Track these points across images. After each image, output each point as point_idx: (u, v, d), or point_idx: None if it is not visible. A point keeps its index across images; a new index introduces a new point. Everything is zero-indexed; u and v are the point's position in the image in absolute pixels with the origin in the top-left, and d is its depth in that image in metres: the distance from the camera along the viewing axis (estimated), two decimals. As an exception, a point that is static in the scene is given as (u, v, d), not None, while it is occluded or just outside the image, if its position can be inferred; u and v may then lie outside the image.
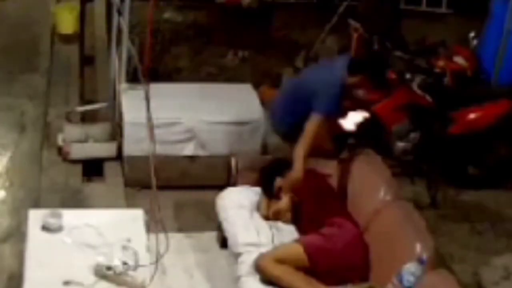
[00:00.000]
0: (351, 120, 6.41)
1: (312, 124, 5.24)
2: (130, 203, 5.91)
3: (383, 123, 6.55)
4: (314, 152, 5.31)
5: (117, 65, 6.69)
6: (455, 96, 6.74)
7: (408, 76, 6.65)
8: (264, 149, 6.41)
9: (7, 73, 7.90)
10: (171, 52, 8.70)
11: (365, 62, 5.57)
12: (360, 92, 5.98)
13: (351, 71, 5.33)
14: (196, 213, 6.03)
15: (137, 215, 4.79)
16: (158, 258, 4.20)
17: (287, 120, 5.59)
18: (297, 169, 5.20)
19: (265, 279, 4.67)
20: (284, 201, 5.24)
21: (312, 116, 5.25)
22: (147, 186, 4.27)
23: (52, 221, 4.55)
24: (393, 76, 6.63)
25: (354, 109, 6.34)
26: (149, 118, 4.04)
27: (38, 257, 4.35)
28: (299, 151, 5.22)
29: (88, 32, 8.93)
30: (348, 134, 6.47)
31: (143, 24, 7.49)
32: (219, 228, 5.45)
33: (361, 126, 6.47)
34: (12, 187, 6.22)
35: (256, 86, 7.16)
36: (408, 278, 4.24)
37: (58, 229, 4.54)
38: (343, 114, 6.23)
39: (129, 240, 4.47)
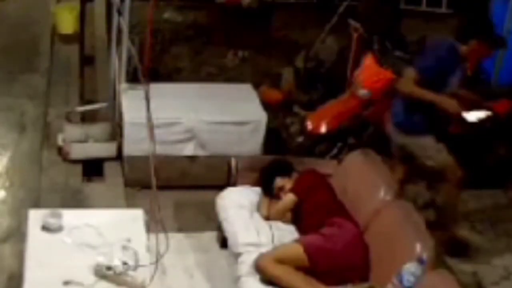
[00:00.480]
0: (475, 115, 6.38)
1: (405, 76, 5.27)
2: (130, 203, 5.91)
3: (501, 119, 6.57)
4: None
5: (117, 65, 6.69)
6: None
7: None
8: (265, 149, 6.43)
9: (7, 73, 7.90)
10: (171, 52, 8.70)
11: (474, 27, 5.46)
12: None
13: (462, 39, 5.28)
14: (196, 213, 6.03)
15: (137, 215, 4.79)
16: (158, 258, 4.20)
17: (404, 106, 5.57)
18: (446, 100, 5.30)
19: (265, 279, 4.67)
20: (287, 200, 5.24)
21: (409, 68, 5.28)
22: (147, 186, 4.27)
23: (52, 221, 4.55)
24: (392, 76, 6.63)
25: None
26: (149, 118, 4.04)
27: (38, 257, 4.35)
28: (411, 91, 5.29)
29: (88, 32, 8.93)
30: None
31: (143, 24, 7.49)
32: (219, 228, 5.45)
33: (482, 122, 6.46)
34: (12, 187, 6.22)
35: (256, 86, 7.16)
36: (408, 278, 4.24)
37: (58, 229, 4.55)
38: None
39: (129, 240, 4.48)
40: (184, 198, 6.14)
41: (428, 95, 5.28)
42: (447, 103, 5.34)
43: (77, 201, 5.96)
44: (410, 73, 5.34)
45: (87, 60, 8.37)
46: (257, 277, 4.69)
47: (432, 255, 4.45)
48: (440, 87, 5.41)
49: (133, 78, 6.46)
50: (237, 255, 4.92)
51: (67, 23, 8.65)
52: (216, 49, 8.86)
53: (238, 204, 5.29)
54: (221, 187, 5.53)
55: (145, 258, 4.35)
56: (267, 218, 5.24)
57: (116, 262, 4.24)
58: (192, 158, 6.39)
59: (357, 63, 7.13)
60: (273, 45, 8.96)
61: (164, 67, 8.24)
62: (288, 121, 7.37)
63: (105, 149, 6.48)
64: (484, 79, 7.29)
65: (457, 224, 5.85)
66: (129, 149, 6.25)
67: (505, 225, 6.34)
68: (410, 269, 4.26)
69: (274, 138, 6.76)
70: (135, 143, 6.09)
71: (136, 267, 4.27)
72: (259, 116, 6.46)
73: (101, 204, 5.80)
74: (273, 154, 6.05)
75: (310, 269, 4.71)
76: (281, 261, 4.70)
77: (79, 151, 6.42)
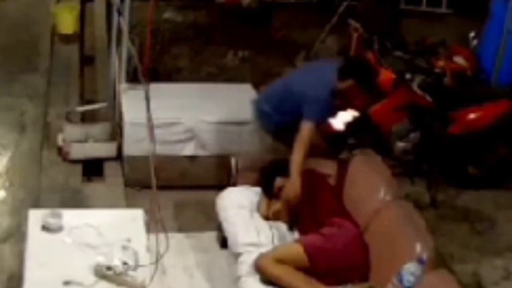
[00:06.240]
0: (341, 120, 6.38)
1: (304, 131, 5.20)
2: (130, 203, 5.91)
3: (380, 125, 6.55)
4: (310, 153, 5.29)
5: (117, 65, 6.70)
6: (455, 96, 6.73)
7: (408, 76, 6.65)
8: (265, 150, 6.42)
9: (7, 73, 7.91)
10: (171, 52, 8.70)
11: (354, 67, 5.46)
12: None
13: (340, 76, 5.30)
14: (196, 213, 6.03)
15: (137, 215, 4.79)
16: (158, 258, 4.20)
17: (275, 119, 5.57)
18: (294, 179, 5.16)
19: (265, 279, 4.67)
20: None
21: (303, 123, 5.21)
22: (147, 186, 4.28)
23: (52, 221, 4.55)
24: (393, 76, 6.63)
25: (344, 108, 6.32)
26: (149, 118, 4.05)
27: (38, 257, 4.35)
28: (295, 160, 5.18)
29: (88, 32, 8.93)
30: (346, 134, 6.48)
31: (143, 24, 7.49)
32: (219, 228, 5.45)
33: (350, 125, 6.45)
34: (12, 187, 6.23)
35: (256, 86, 7.15)
36: (408, 278, 4.24)
37: (58, 229, 4.54)
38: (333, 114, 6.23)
39: (129, 240, 4.48)
40: (184, 198, 6.14)
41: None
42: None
43: (77, 201, 5.96)
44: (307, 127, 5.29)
45: (87, 60, 8.37)
46: (257, 277, 4.69)
47: (432, 255, 4.45)
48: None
49: (133, 78, 6.46)
50: (237, 255, 4.92)
51: (67, 23, 8.66)
52: (216, 49, 8.86)
53: (238, 204, 5.29)
54: (221, 187, 5.53)
55: (145, 258, 4.35)
56: (267, 218, 5.24)
57: (116, 262, 4.24)
58: (192, 158, 6.39)
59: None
60: (273, 45, 8.97)
61: (164, 67, 8.24)
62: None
63: (105, 149, 6.48)
64: (484, 79, 7.29)
65: None
66: (129, 149, 6.25)
67: (505, 225, 6.34)
68: (410, 269, 4.26)
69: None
70: (135, 143, 6.09)
71: (136, 267, 4.27)
72: (259, 116, 6.45)
73: (101, 204, 5.79)
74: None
75: (310, 269, 4.71)
76: (281, 261, 4.69)
77: (79, 151, 6.42)
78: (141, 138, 5.62)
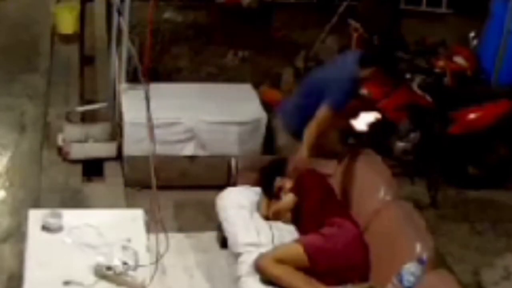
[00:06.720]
0: (363, 121, 6.42)
1: (321, 112, 5.24)
2: (130, 203, 5.91)
3: (390, 120, 6.57)
4: (323, 151, 5.32)
5: (117, 65, 6.70)
6: (455, 96, 6.74)
7: (408, 76, 6.65)
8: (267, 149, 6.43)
9: (7, 73, 7.91)
10: (171, 52, 8.70)
11: (376, 55, 5.53)
12: (365, 91, 5.99)
13: (363, 64, 5.32)
14: (196, 213, 6.03)
15: (137, 215, 4.79)
16: (158, 258, 4.21)
17: (299, 116, 5.57)
18: (303, 150, 5.22)
19: (265, 279, 4.67)
20: (287, 200, 5.24)
21: (322, 106, 5.25)
22: (147, 186, 4.27)
23: (52, 221, 4.55)
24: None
25: (363, 109, 6.36)
26: (149, 118, 4.05)
27: (38, 257, 4.35)
28: (307, 134, 5.24)
29: (88, 32, 8.93)
30: (368, 135, 6.52)
31: (143, 24, 7.49)
32: (219, 228, 5.45)
33: (372, 126, 6.48)
34: (12, 187, 6.23)
35: (256, 86, 7.16)
36: (408, 278, 4.24)
37: (58, 229, 4.54)
38: (354, 114, 6.25)
39: (129, 240, 4.48)
40: (184, 198, 6.14)
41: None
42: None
43: (77, 201, 5.96)
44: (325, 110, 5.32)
45: (87, 60, 8.37)
46: (257, 277, 4.69)
47: (432, 255, 4.45)
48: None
49: (133, 78, 6.46)
50: (237, 255, 4.92)
51: (67, 23, 8.66)
52: (216, 49, 8.86)
53: (238, 204, 5.28)
54: (221, 187, 5.53)
55: (145, 258, 4.35)
56: (267, 218, 5.24)
57: (116, 262, 4.24)
58: (192, 158, 6.39)
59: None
60: (273, 45, 8.96)
61: (164, 67, 8.24)
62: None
63: (105, 149, 6.48)
64: (484, 79, 7.29)
65: None
66: (129, 149, 6.25)
67: (505, 225, 6.34)
68: (410, 269, 4.26)
69: (274, 138, 6.76)
70: (135, 143, 6.09)
71: (136, 267, 4.27)
72: (259, 116, 6.46)
73: (101, 204, 5.79)
74: (273, 154, 6.05)
75: (310, 269, 4.71)
76: (281, 261, 4.69)
77: (79, 151, 6.42)
78: (141, 138, 5.62)
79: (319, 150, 5.34)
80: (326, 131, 5.36)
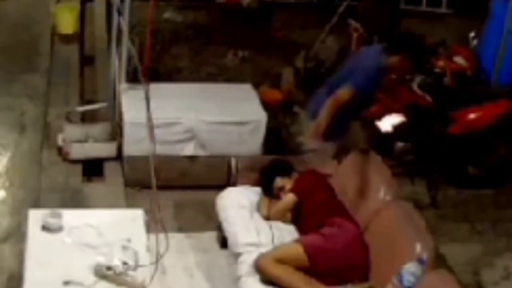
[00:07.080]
0: (388, 122, 6.41)
1: (344, 90, 5.20)
2: (130, 203, 5.91)
3: None
4: (348, 144, 5.37)
5: (117, 65, 6.69)
6: (455, 96, 6.74)
7: (408, 76, 6.65)
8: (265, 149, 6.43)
9: (7, 73, 7.91)
10: (171, 52, 8.70)
11: (404, 42, 5.47)
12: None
13: (389, 52, 5.30)
14: (196, 213, 6.03)
15: (137, 215, 4.79)
16: (158, 258, 4.21)
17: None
18: (322, 117, 5.19)
19: (265, 279, 4.67)
20: (287, 200, 5.24)
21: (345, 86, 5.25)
22: (147, 186, 4.28)
23: (52, 221, 4.55)
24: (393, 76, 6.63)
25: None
26: (149, 118, 4.05)
27: (38, 257, 4.35)
28: (326, 107, 5.21)
29: (88, 32, 8.93)
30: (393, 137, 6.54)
31: (143, 24, 7.49)
32: (219, 228, 5.45)
33: (397, 128, 6.49)
34: (12, 187, 6.23)
35: (256, 86, 7.16)
36: (408, 278, 4.24)
37: (58, 229, 4.55)
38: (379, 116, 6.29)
39: (129, 240, 4.48)
40: (184, 198, 6.14)
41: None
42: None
43: (77, 201, 5.96)
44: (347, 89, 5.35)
45: (87, 60, 8.36)
46: (257, 277, 4.69)
47: (432, 255, 4.45)
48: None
49: (133, 78, 6.46)
50: (237, 255, 4.92)
51: (67, 23, 8.65)
52: (216, 49, 8.86)
53: (238, 204, 5.29)
54: (221, 187, 5.53)
55: (145, 258, 4.35)
56: (267, 218, 5.24)
57: (116, 262, 4.24)
58: (192, 158, 6.39)
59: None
60: (273, 45, 8.96)
61: (164, 67, 8.24)
62: (288, 121, 7.37)
63: (105, 149, 6.48)
64: (484, 79, 7.29)
65: None
66: (129, 149, 6.25)
67: (505, 225, 6.34)
68: (410, 269, 4.26)
69: (274, 138, 6.76)
70: (135, 143, 6.09)
71: (136, 267, 4.27)
72: (259, 116, 6.46)
73: (101, 204, 5.79)
74: (273, 154, 6.05)
75: (310, 269, 4.71)
76: (281, 261, 4.70)
77: (79, 151, 6.42)
78: (141, 138, 5.62)
79: (345, 145, 5.33)
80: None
